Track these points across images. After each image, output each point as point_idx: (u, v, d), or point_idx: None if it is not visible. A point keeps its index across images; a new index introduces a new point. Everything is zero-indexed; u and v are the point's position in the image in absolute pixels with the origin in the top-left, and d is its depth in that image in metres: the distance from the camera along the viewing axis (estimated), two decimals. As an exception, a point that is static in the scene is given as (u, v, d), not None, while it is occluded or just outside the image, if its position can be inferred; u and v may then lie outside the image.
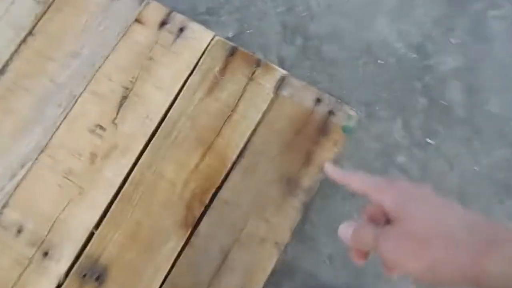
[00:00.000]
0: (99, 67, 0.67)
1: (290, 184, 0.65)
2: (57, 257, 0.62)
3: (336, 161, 0.67)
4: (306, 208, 0.65)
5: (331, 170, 0.39)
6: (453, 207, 0.32)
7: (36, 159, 0.64)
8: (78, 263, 0.62)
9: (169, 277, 0.62)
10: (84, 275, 0.62)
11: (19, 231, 0.62)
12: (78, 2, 0.69)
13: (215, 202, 0.64)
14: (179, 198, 0.64)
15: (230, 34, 0.80)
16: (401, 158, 0.82)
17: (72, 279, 0.61)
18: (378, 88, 0.77)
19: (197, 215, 0.63)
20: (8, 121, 0.65)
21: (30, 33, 0.68)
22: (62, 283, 0.61)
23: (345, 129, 0.67)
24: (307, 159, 0.66)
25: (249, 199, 0.64)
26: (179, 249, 0.63)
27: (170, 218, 0.63)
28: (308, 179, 0.65)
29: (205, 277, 0.62)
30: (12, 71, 0.66)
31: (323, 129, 0.67)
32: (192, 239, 0.63)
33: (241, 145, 0.66)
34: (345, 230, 0.35)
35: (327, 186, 0.64)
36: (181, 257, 0.63)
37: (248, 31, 0.79)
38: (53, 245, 0.62)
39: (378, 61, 0.80)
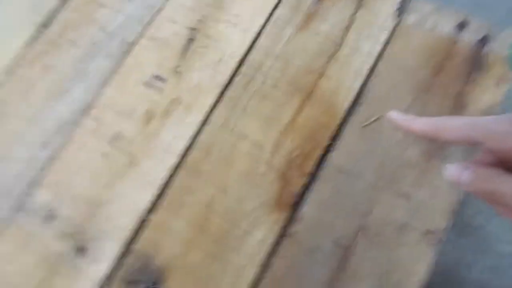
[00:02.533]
0: (159, 9, 0.52)
1: (435, 142, 0.42)
2: (96, 255, 0.43)
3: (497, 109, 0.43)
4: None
5: (400, 117, 0.29)
6: None
7: (77, 123, 0.48)
8: (124, 264, 0.42)
9: (259, 286, 0.40)
10: (134, 282, 0.41)
11: (50, 217, 0.44)
12: None
13: (323, 171, 0.43)
14: (270, 166, 0.43)
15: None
16: None
17: (117, 286, 0.41)
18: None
19: (297, 190, 0.42)
20: (46, 79, 0.51)
21: (80, -21, 0.56)
22: (101, 293, 0.41)
23: (510, 59, 0.45)
24: (458, 104, 0.43)
25: (375, 165, 0.42)
26: (271, 242, 0.41)
27: (256, 197, 0.42)
28: (465, 134, 0.42)
29: (315, 287, 0.39)
30: (58, 23, 0.53)
31: (476, 63, 0.45)
32: (292, 227, 0.41)
33: (357, 88, 0.45)
34: (457, 173, 0.26)
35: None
36: (275, 256, 0.41)
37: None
38: (92, 238, 0.43)
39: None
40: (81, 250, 0.43)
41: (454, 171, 0.26)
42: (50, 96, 0.50)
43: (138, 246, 0.42)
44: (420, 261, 0.39)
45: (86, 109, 0.49)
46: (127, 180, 0.45)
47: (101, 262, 0.42)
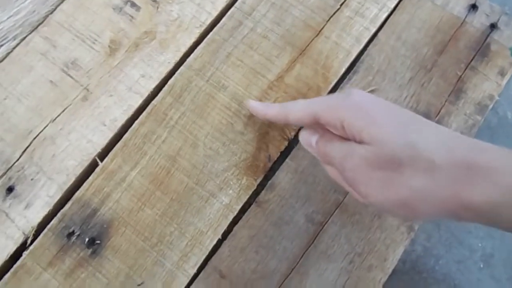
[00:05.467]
0: None
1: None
2: (28, 198, 0.36)
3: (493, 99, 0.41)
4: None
5: (257, 105, 0.35)
6: (419, 120, 0.26)
7: (23, 39, 0.40)
8: (61, 212, 0.36)
9: (214, 257, 0.36)
10: (69, 234, 0.35)
11: (-27, 147, 0.37)
12: None
13: (305, 137, 0.38)
14: (248, 125, 0.38)
15: None
16: None
17: (47, 238, 0.35)
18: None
19: (275, 156, 0.38)
20: (-11, -20, 0.41)
21: None
22: (30, 242, 0.35)
23: (515, 53, 0.42)
24: (456, 89, 0.41)
25: (363, 140, 0.38)
26: (237, 208, 0.36)
27: (227, 156, 0.37)
28: (457, 120, 0.40)
29: (281, 263, 0.35)
30: None
31: (481, 49, 0.42)
32: (262, 194, 0.37)
33: (354, 54, 0.41)
34: (307, 138, 0.31)
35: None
36: (239, 224, 0.36)
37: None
38: (25, 177, 0.36)
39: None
40: (9, 190, 0.36)
41: (305, 136, 0.31)
42: (-9, 2, 0.40)
43: (81, 193, 0.36)
44: (394, 247, 0.36)
45: (35, 25, 0.40)
46: (78, 116, 0.38)
47: (31, 207, 0.35)
